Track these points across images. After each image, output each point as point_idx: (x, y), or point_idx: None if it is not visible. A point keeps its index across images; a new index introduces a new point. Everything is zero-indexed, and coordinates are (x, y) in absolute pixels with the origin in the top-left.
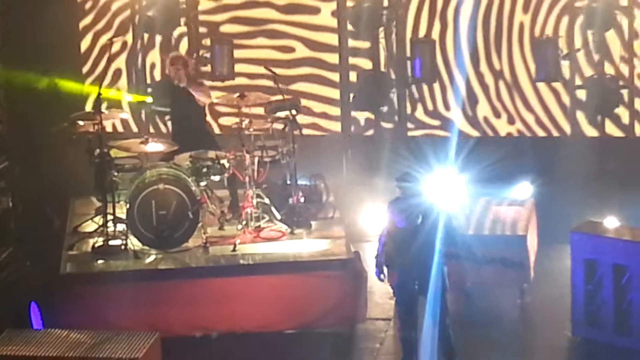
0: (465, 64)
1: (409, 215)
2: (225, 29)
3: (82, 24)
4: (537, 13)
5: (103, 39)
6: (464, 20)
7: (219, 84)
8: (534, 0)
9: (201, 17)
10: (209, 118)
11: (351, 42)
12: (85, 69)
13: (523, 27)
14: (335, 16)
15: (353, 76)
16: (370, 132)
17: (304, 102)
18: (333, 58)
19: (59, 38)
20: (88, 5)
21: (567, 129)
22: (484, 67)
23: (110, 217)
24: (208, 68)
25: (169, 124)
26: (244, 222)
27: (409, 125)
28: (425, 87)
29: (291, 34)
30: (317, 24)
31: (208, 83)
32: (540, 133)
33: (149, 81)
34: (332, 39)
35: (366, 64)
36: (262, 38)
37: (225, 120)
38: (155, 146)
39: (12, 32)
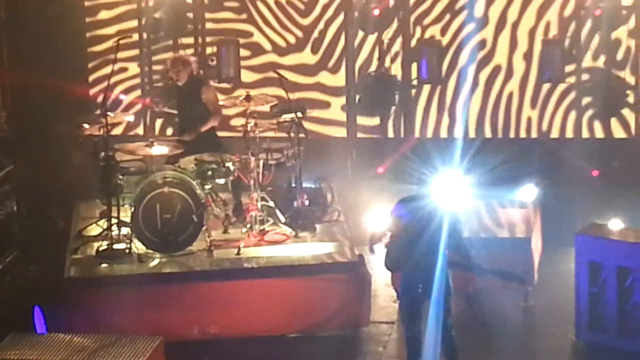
0: (470, 65)
1: (414, 218)
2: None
3: (89, 25)
4: (543, 13)
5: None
6: (470, 21)
7: (225, 86)
8: (541, 0)
9: (207, 16)
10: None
11: (357, 43)
12: (91, 70)
13: (529, 27)
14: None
15: (358, 78)
16: (375, 135)
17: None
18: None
19: (64, 39)
20: (94, 6)
21: (573, 130)
22: (489, 68)
23: (114, 220)
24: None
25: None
26: (249, 225)
27: (414, 127)
28: (431, 89)
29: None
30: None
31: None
32: (546, 135)
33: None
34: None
35: (372, 65)
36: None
37: (231, 122)
38: (160, 149)
39: (17, 33)
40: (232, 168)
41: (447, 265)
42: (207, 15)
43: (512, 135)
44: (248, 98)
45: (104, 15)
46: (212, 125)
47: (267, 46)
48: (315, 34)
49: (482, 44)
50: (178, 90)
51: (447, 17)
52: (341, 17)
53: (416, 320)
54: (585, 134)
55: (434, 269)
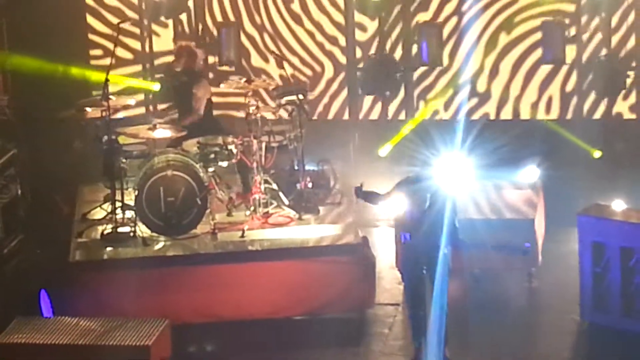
0: (472, 47)
1: (417, 200)
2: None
3: (89, 8)
4: None
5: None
6: (471, 1)
7: (226, 68)
8: None
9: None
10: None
11: (357, 26)
12: (92, 54)
13: (530, 8)
14: None
15: (360, 60)
16: (377, 117)
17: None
18: (340, 41)
19: (65, 23)
20: None
21: (574, 111)
22: (490, 50)
23: (118, 204)
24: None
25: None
26: (252, 208)
27: (416, 109)
28: (431, 71)
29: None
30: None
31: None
32: (547, 116)
33: (156, 66)
34: (340, 20)
35: (372, 47)
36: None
37: (233, 105)
38: (163, 132)
39: (18, 18)
40: (234, 151)
41: (448, 245)
42: None
43: (513, 116)
44: (249, 80)
45: None
46: (190, 121)
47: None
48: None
49: (484, 25)
50: (175, 76)
51: None
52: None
53: (420, 300)
54: (587, 114)
55: (437, 250)
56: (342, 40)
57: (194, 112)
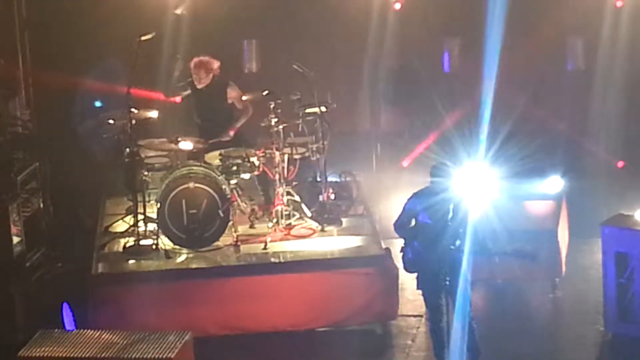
0: (494, 56)
1: (437, 212)
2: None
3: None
4: (566, 2)
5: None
6: (494, 11)
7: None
8: None
9: None
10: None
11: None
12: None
13: (554, 17)
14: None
15: (382, 72)
16: (399, 127)
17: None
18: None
19: (85, 35)
20: (116, 4)
21: (597, 120)
22: (513, 59)
23: (141, 216)
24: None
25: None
26: (275, 220)
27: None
28: (454, 82)
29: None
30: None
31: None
32: (570, 125)
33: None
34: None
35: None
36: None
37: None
38: (185, 145)
39: (39, 32)
40: (257, 163)
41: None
42: None
43: (537, 126)
44: (271, 93)
45: (126, 10)
46: (244, 121)
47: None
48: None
49: (505, 34)
50: (197, 93)
51: (469, 8)
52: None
53: (441, 312)
54: (610, 125)
55: (459, 261)
56: (364, 51)
57: (243, 114)
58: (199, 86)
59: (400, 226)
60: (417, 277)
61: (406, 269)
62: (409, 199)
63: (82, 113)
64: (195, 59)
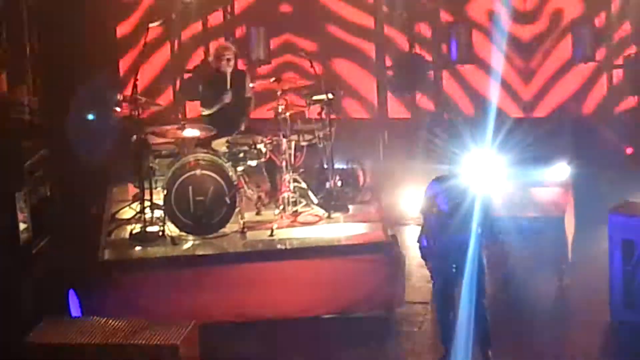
0: (502, 44)
1: (448, 197)
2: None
3: (118, 11)
4: None
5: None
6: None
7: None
8: None
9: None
10: None
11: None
12: (121, 56)
13: (560, 6)
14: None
15: (389, 59)
16: (406, 115)
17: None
18: (369, 40)
19: (94, 23)
20: None
21: (603, 108)
22: (520, 47)
23: (147, 203)
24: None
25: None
26: (281, 207)
27: (445, 106)
28: (461, 69)
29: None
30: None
31: None
32: (577, 113)
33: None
34: (368, 21)
35: (402, 46)
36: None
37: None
38: (192, 132)
39: (46, 19)
40: (263, 150)
41: (480, 245)
42: None
43: (544, 114)
44: (279, 80)
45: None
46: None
47: None
48: None
49: (513, 23)
50: (222, 79)
51: None
52: None
53: (450, 300)
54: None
55: (467, 248)
56: (371, 38)
57: (252, 102)
58: (228, 69)
59: (423, 212)
60: (430, 267)
61: (423, 257)
62: (429, 184)
63: (91, 101)
64: (219, 44)
